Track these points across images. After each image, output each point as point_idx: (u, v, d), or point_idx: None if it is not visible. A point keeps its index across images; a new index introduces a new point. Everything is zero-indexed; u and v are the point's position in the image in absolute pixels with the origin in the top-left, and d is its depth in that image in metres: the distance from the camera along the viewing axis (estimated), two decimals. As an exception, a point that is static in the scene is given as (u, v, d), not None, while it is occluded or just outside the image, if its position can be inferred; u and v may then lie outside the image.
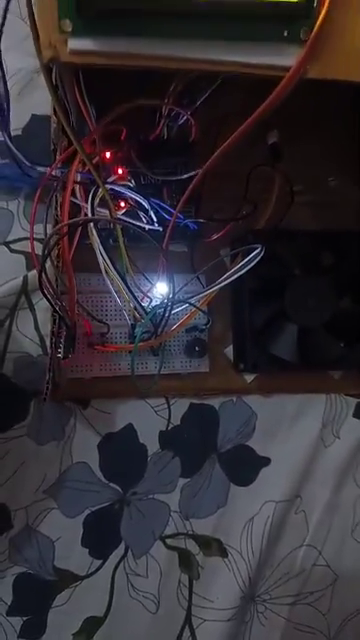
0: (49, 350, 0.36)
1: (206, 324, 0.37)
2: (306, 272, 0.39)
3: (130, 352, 0.36)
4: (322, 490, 0.42)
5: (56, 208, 0.32)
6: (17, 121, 0.39)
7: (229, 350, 0.40)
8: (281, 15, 0.21)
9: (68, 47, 0.21)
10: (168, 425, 0.40)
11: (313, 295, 0.38)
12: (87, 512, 0.38)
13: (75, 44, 0.20)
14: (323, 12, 0.21)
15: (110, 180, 0.32)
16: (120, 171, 0.36)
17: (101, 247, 0.29)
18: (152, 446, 0.39)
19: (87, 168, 0.30)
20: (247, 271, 0.33)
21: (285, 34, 0.21)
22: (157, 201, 0.35)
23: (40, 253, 0.36)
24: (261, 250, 0.32)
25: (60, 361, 0.32)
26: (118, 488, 0.39)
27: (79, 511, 0.38)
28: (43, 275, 0.27)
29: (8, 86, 0.28)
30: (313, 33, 0.21)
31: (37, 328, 0.38)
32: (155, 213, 0.35)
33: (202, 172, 0.28)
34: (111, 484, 0.38)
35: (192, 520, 0.40)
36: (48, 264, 0.33)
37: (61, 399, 0.37)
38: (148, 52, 0.21)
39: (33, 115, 0.39)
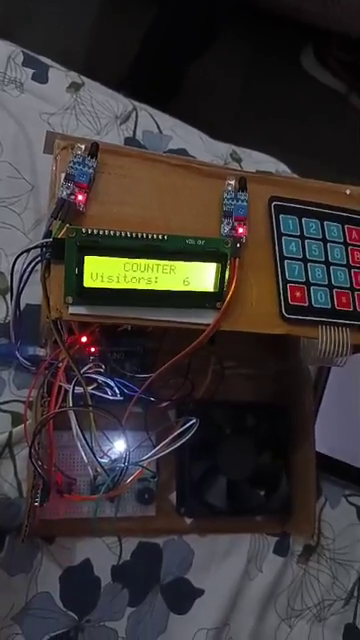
0: (25, 495, 0.45)
1: (153, 477, 0.47)
2: (234, 432, 0.50)
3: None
4: (248, 619, 0.50)
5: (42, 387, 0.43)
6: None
7: (173, 496, 0.49)
8: (204, 297, 0.33)
9: (69, 311, 0.32)
10: (119, 560, 0.47)
11: (239, 451, 0.49)
12: (47, 638, 0.44)
13: (73, 310, 0.32)
14: (230, 293, 0.34)
15: (86, 368, 0.43)
16: (93, 349, 0.47)
17: (77, 427, 0.38)
18: (105, 578, 0.47)
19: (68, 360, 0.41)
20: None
21: (206, 305, 0.34)
22: (120, 379, 0.46)
23: (23, 413, 0.46)
24: (196, 422, 0.43)
25: (36, 508, 0.41)
26: (75, 616, 0.45)
27: (40, 637, 0.44)
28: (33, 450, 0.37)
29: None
30: (224, 304, 0.34)
31: (16, 475, 0.46)
32: (118, 388, 0.46)
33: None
34: (69, 612, 0.45)
35: (137, 646, 0.46)
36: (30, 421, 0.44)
37: (32, 536, 0.45)
38: (118, 315, 0.33)
39: (27, 304, 0.51)
